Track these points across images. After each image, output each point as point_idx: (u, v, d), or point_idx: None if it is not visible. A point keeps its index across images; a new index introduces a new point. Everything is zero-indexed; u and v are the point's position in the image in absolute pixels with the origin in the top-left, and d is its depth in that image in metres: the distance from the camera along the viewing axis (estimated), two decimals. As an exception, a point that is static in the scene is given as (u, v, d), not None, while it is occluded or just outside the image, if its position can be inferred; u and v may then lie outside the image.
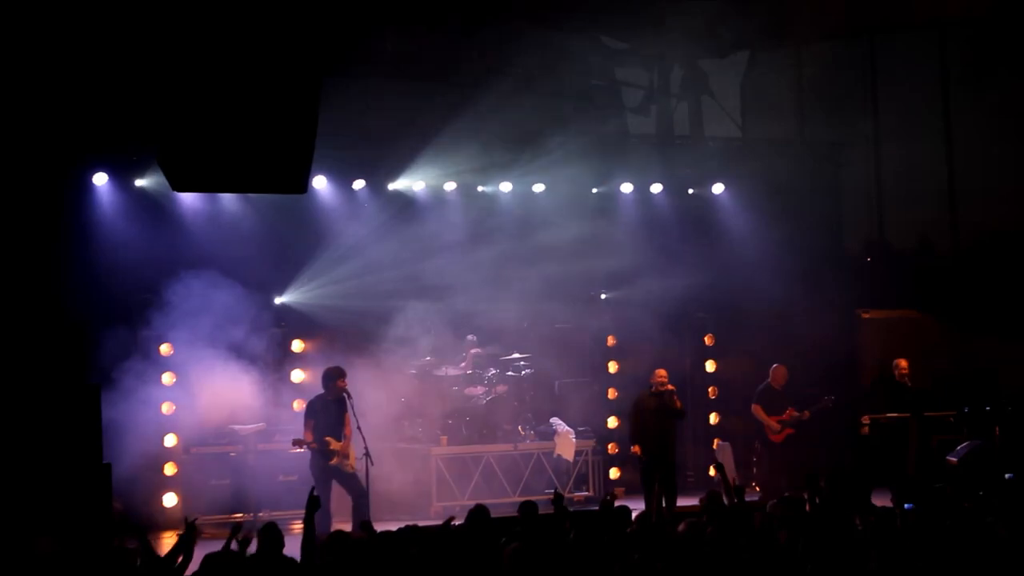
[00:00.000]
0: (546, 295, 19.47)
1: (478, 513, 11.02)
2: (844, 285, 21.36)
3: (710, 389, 20.80)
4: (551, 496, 11.81)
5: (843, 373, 20.63)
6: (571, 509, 13.28)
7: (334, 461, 15.04)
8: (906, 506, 11.39)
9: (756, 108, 22.39)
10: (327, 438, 15.03)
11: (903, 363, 18.58)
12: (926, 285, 21.37)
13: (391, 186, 19.37)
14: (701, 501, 12.14)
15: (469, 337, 19.10)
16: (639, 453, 16.67)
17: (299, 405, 17.18)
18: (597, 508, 12.81)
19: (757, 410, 18.44)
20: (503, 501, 16.85)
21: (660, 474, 16.56)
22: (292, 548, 10.26)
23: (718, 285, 20.52)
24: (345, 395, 15.20)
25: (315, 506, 10.49)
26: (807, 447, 19.12)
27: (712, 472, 13.93)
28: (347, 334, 18.33)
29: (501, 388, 18.73)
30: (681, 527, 10.51)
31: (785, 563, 9.76)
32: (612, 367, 20.38)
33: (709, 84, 22.26)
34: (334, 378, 15.29)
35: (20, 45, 16.21)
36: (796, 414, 18.43)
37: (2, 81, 16.22)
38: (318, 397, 15.38)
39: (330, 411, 15.24)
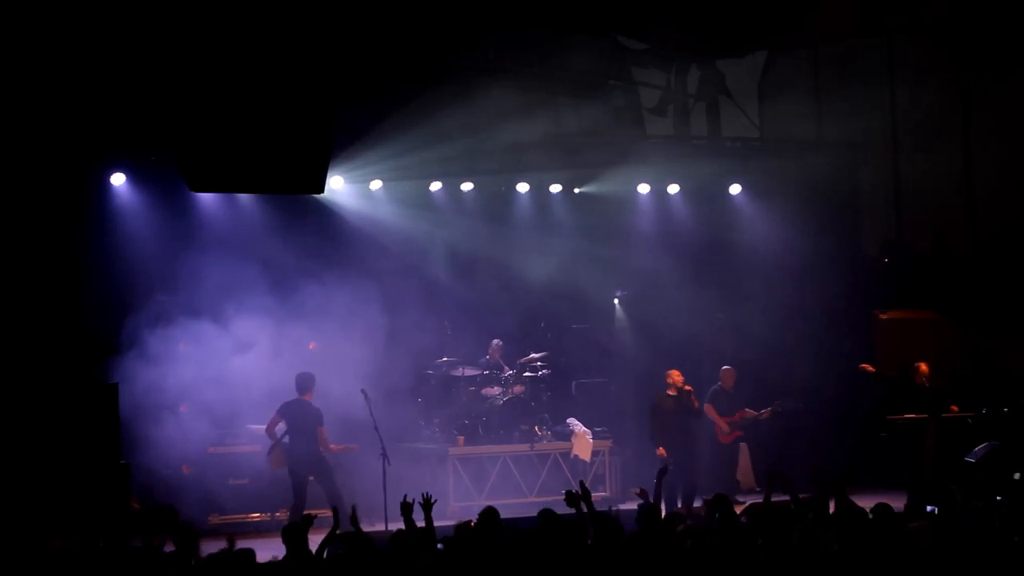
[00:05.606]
0: (563, 295, 19.49)
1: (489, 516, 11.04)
2: (861, 285, 21.33)
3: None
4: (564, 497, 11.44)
5: (860, 374, 20.56)
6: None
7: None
8: (927, 508, 11.36)
9: (773, 108, 22.32)
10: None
11: (924, 367, 18.42)
12: (943, 285, 21.31)
13: (408, 186, 19.37)
14: (706, 502, 12.13)
15: (496, 342, 19.11)
16: (664, 455, 16.69)
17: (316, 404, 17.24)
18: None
19: (709, 410, 18.46)
20: (520, 501, 16.87)
21: (683, 475, 16.64)
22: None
23: (735, 286, 20.49)
24: (363, 395, 15.17)
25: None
26: (755, 448, 19.28)
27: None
28: (364, 334, 18.31)
29: (518, 388, 18.74)
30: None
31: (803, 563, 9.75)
32: (629, 367, 20.35)
33: (726, 84, 22.22)
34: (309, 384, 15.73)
35: (41, 46, 16.26)
36: (753, 414, 18.47)
37: (23, 82, 16.27)
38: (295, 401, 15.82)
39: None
